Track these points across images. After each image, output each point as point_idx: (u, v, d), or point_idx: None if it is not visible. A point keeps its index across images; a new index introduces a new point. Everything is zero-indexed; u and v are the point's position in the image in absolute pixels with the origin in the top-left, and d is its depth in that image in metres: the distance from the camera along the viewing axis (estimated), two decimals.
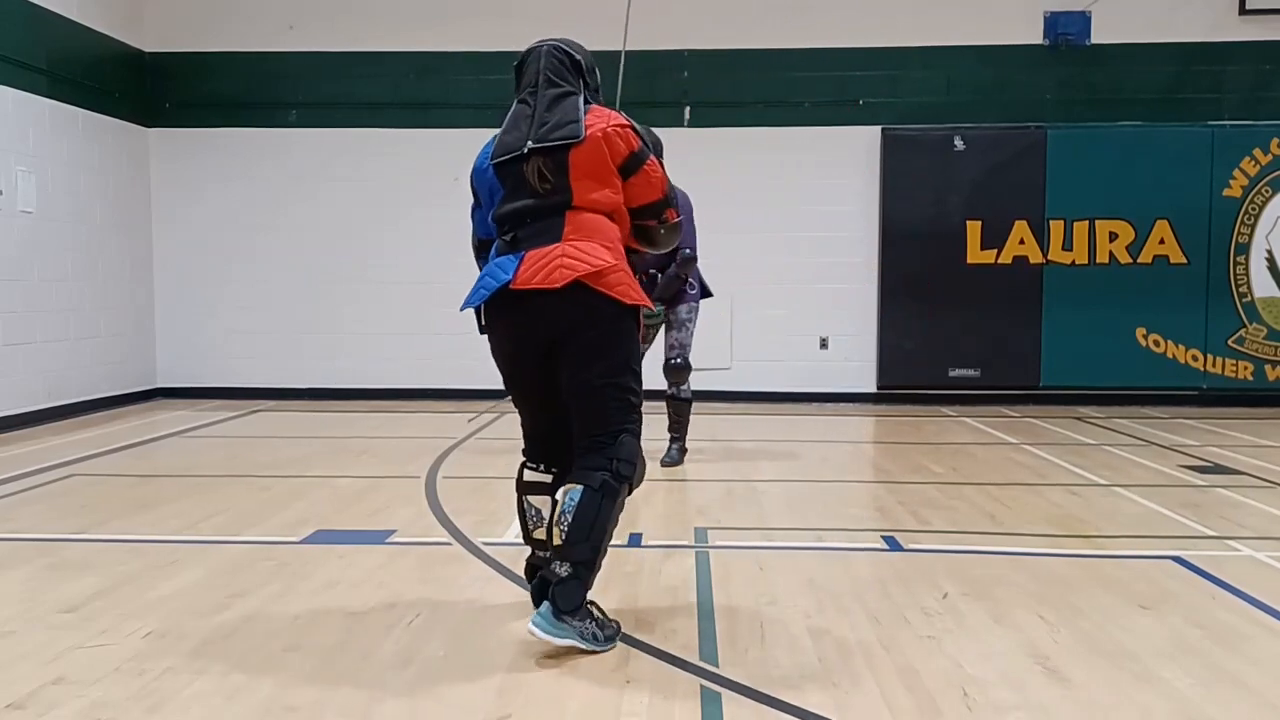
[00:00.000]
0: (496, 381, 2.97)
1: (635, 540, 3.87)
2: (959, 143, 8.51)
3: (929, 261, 8.53)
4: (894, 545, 3.84)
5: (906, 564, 3.58)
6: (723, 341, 8.57)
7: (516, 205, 2.78)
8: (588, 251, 2.70)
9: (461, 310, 2.89)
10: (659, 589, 3.23)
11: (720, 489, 4.94)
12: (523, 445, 3.04)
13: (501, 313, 2.77)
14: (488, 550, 3.72)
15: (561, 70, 2.87)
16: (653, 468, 5.46)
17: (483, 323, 2.86)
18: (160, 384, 8.99)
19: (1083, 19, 8.51)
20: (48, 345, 7.45)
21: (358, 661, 2.60)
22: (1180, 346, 8.51)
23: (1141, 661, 2.62)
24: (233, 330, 8.96)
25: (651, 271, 5.44)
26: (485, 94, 8.79)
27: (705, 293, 5.67)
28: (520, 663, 2.60)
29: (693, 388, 5.62)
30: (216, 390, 8.87)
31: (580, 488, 2.67)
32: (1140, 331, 8.52)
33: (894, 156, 8.59)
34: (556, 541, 2.65)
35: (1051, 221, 8.49)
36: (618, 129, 2.78)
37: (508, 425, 7.16)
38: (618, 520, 2.74)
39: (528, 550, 3.06)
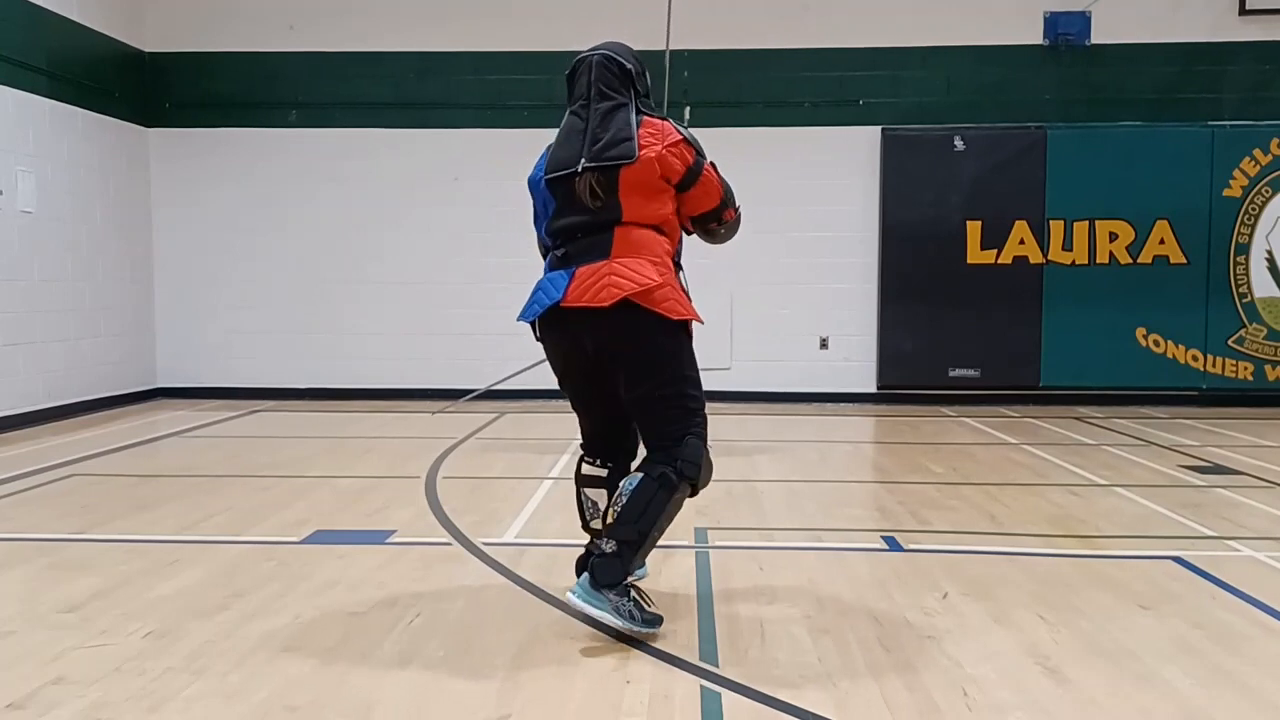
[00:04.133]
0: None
1: None
2: (959, 143, 8.51)
3: (929, 261, 8.53)
4: (894, 545, 3.84)
5: (906, 564, 3.58)
6: (722, 341, 8.57)
7: (568, 221, 2.83)
8: (635, 269, 2.74)
9: (518, 322, 2.99)
10: (659, 589, 3.23)
11: (720, 489, 4.94)
12: (580, 441, 3.14)
13: (553, 328, 2.86)
14: (488, 550, 3.72)
15: (612, 81, 2.88)
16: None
17: (537, 335, 2.94)
18: (160, 384, 8.99)
19: (1083, 19, 8.52)
20: (48, 345, 7.45)
21: (358, 661, 2.60)
22: (1180, 347, 8.51)
23: (1141, 661, 2.62)
24: (233, 330, 8.96)
25: None
26: (485, 94, 8.81)
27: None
28: (520, 663, 2.60)
29: None
30: (216, 390, 8.87)
31: (640, 475, 2.77)
32: (1140, 332, 8.52)
33: (894, 156, 8.59)
34: (608, 521, 2.77)
35: (1051, 221, 8.49)
36: (671, 149, 2.80)
37: (508, 425, 7.17)
38: (672, 517, 2.80)
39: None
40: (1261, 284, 8.47)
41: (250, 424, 7.48)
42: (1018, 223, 8.49)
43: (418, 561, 3.57)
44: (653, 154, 2.78)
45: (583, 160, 2.79)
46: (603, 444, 3.06)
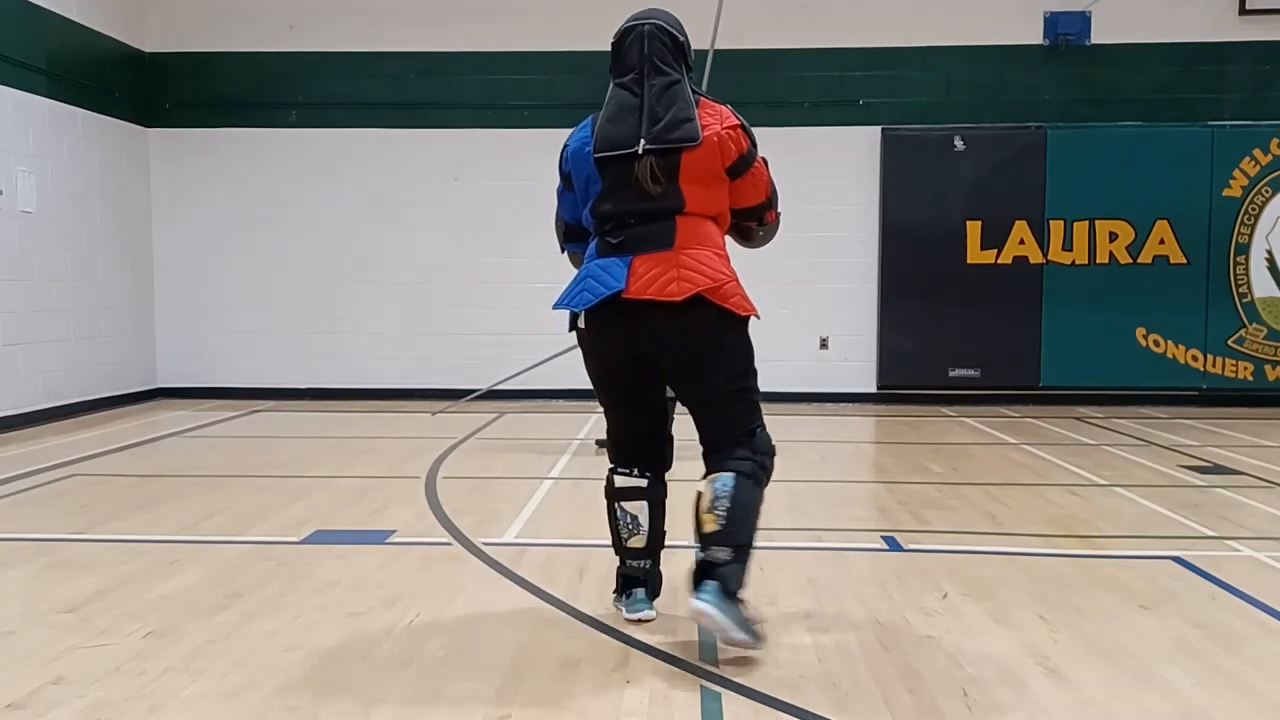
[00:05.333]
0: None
1: None
2: (959, 143, 8.51)
3: (929, 261, 8.53)
4: (894, 545, 3.84)
5: (906, 564, 3.58)
6: None
7: (621, 205, 2.66)
8: (704, 262, 2.62)
9: (557, 308, 2.78)
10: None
11: None
12: (611, 451, 2.94)
13: (606, 319, 2.65)
14: (488, 550, 3.72)
15: (666, 55, 2.71)
16: None
17: (578, 326, 2.73)
18: (160, 384, 8.99)
19: (1083, 19, 8.51)
20: (48, 345, 7.45)
21: (358, 661, 2.60)
22: (1180, 346, 8.51)
23: (1141, 661, 2.61)
24: (233, 330, 8.96)
25: None
26: (485, 94, 8.81)
27: None
28: (520, 663, 2.60)
29: None
30: (216, 390, 8.87)
31: (731, 474, 2.62)
32: (1140, 331, 8.52)
33: (894, 156, 8.59)
34: (712, 527, 2.59)
35: (1051, 221, 8.49)
36: (731, 131, 2.67)
37: (508, 425, 7.17)
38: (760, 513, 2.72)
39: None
40: (1261, 284, 8.47)
41: (250, 424, 7.48)
42: (1018, 223, 8.49)
43: (418, 561, 3.57)
44: (714, 136, 2.63)
45: (642, 141, 2.62)
46: (643, 451, 2.88)
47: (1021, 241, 8.51)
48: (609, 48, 2.81)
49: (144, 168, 8.85)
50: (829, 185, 8.70)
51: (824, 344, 8.74)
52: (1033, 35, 8.61)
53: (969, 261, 8.54)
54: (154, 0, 8.84)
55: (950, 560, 3.60)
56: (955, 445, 6.44)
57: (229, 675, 2.50)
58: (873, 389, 8.76)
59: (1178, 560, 3.59)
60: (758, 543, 2.67)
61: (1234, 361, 8.51)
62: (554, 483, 5.13)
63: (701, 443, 2.77)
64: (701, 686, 2.45)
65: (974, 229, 8.53)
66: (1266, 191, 8.42)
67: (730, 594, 2.55)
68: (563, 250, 3.02)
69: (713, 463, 2.70)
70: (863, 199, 8.69)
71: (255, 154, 8.89)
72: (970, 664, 2.59)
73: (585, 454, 5.97)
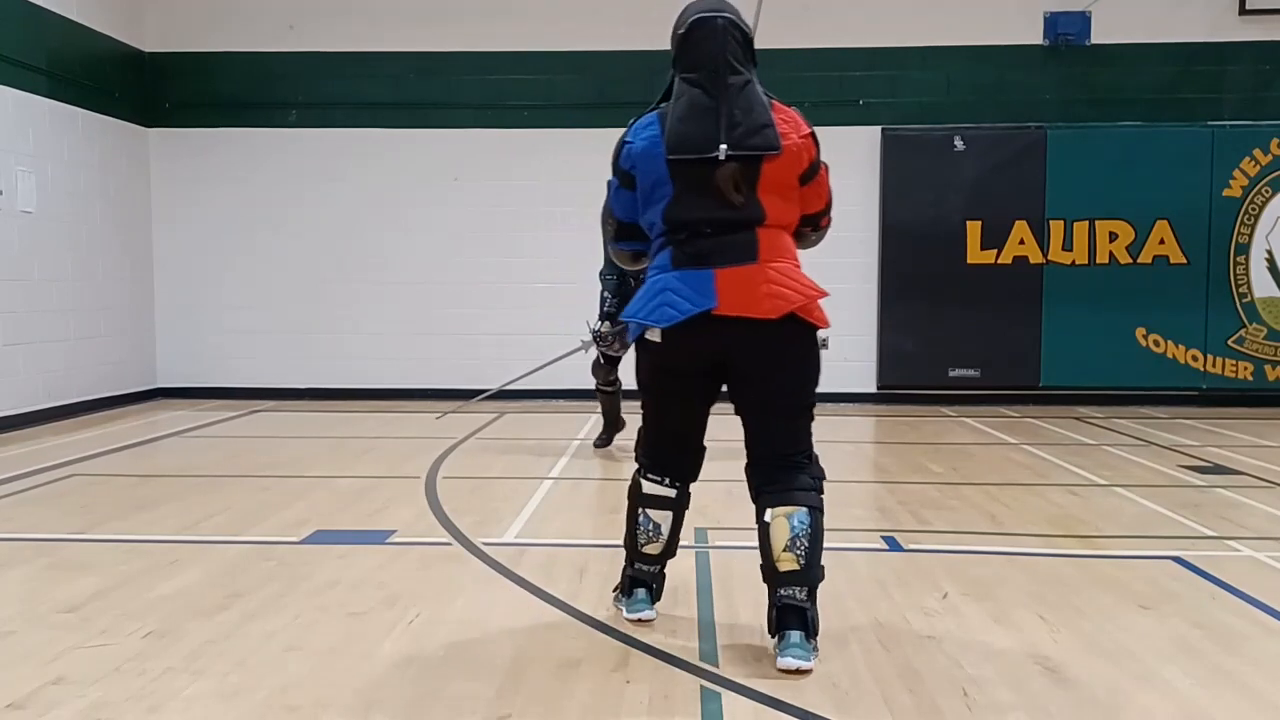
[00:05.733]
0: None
1: None
2: (959, 143, 8.51)
3: (929, 261, 8.52)
4: (894, 545, 3.84)
5: (906, 564, 3.58)
6: None
7: (699, 213, 2.55)
8: (792, 276, 2.55)
9: (631, 319, 2.65)
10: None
11: (720, 489, 4.92)
12: (643, 456, 2.88)
13: (690, 335, 2.54)
14: (488, 550, 3.71)
15: (739, 52, 2.59)
16: None
17: (655, 339, 2.60)
18: (160, 384, 8.99)
19: (1083, 19, 8.51)
20: (48, 345, 7.45)
21: (358, 661, 2.60)
22: (1180, 346, 8.51)
23: (1141, 661, 2.61)
24: (233, 330, 8.96)
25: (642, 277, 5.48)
26: (485, 94, 8.81)
27: None
28: (520, 663, 2.60)
29: None
30: (216, 390, 8.87)
31: (805, 510, 2.57)
32: (1140, 331, 8.52)
33: (894, 156, 8.59)
34: (792, 567, 2.53)
35: (1051, 221, 8.49)
36: (805, 140, 2.59)
37: (508, 425, 7.17)
38: None
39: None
40: (1261, 284, 8.47)
41: (250, 424, 7.48)
42: (1018, 223, 8.49)
43: (418, 561, 3.57)
44: (793, 145, 2.54)
45: (724, 147, 2.50)
46: (678, 460, 2.84)
47: (1021, 241, 8.51)
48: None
49: (144, 168, 8.85)
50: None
51: (824, 344, 8.71)
52: (1033, 35, 8.61)
53: (969, 261, 8.54)
54: (154, 0, 8.84)
55: (950, 560, 3.60)
56: (955, 445, 6.44)
57: (229, 675, 2.50)
58: (873, 389, 8.76)
59: (1178, 560, 3.59)
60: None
61: (1234, 361, 8.51)
62: (554, 483, 5.13)
63: (755, 457, 2.70)
64: (701, 686, 2.45)
65: (974, 229, 8.53)
66: (1266, 191, 8.42)
67: (814, 636, 2.55)
68: (610, 246, 2.94)
69: (775, 489, 2.62)
70: (863, 199, 8.69)
71: (255, 154, 8.89)
72: (970, 664, 2.59)
73: (585, 454, 5.97)
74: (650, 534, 2.85)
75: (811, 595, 2.57)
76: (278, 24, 8.80)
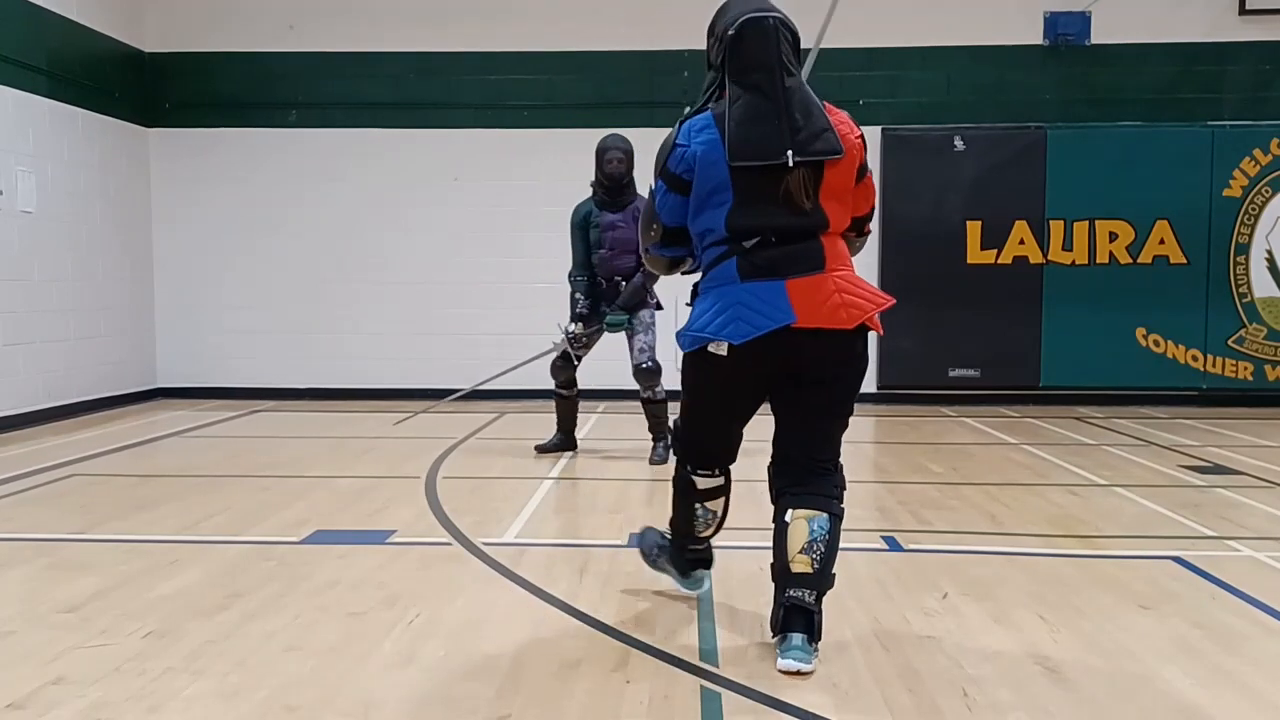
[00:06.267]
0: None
1: (635, 540, 3.86)
2: (959, 143, 8.51)
3: (929, 261, 8.52)
4: (894, 545, 3.84)
5: (906, 564, 3.58)
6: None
7: (764, 220, 2.49)
8: (859, 285, 2.54)
9: (703, 336, 2.55)
10: (659, 589, 3.23)
11: None
12: (690, 455, 2.87)
13: (762, 347, 2.49)
14: (488, 550, 3.71)
15: (790, 54, 2.57)
16: (638, 466, 5.47)
17: (720, 353, 2.54)
18: (160, 384, 8.99)
19: (1083, 19, 8.51)
20: (48, 345, 7.45)
21: (358, 661, 2.60)
22: (1180, 346, 8.51)
23: (1141, 661, 2.61)
24: (233, 330, 8.96)
25: (616, 279, 5.57)
26: (485, 94, 8.81)
27: (658, 305, 5.75)
28: (520, 663, 2.60)
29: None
30: (216, 390, 8.87)
31: (826, 515, 2.58)
32: (1140, 331, 8.52)
33: (894, 156, 8.59)
34: (805, 569, 2.53)
35: (1051, 221, 8.49)
36: (859, 142, 2.57)
37: (508, 425, 7.17)
38: None
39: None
40: (1261, 284, 8.47)
41: (250, 424, 7.48)
42: (1018, 223, 8.49)
43: (418, 561, 3.57)
44: (852, 146, 2.52)
45: (791, 152, 2.45)
46: (727, 456, 2.87)
47: (1021, 241, 8.51)
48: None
49: (144, 168, 8.85)
50: None
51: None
52: (1033, 35, 8.61)
53: (969, 261, 8.54)
54: (154, 0, 8.84)
55: (950, 560, 3.60)
56: (955, 445, 6.44)
57: (229, 675, 2.50)
58: (873, 389, 8.74)
59: (1178, 560, 3.59)
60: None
61: (1234, 361, 8.51)
62: (554, 483, 5.13)
63: (786, 456, 2.68)
64: (701, 686, 2.45)
65: (974, 229, 8.53)
66: (1266, 191, 8.42)
67: (816, 640, 2.55)
68: (645, 252, 2.84)
69: (801, 492, 2.62)
70: None
71: (255, 154, 8.89)
72: (970, 664, 2.59)
73: (585, 454, 5.97)
74: (708, 520, 2.93)
75: (819, 600, 2.57)
76: (278, 24, 8.81)
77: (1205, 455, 5.96)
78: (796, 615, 2.53)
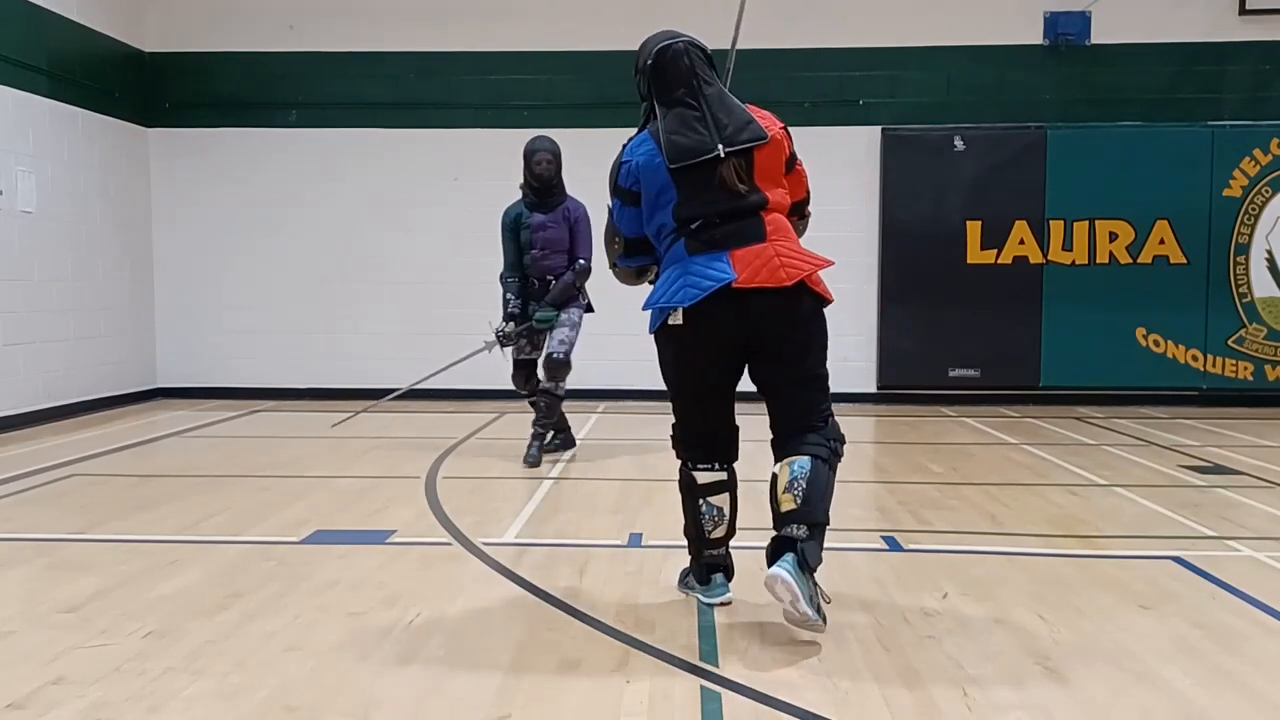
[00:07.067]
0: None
1: (635, 540, 3.87)
2: (959, 143, 8.51)
3: (929, 261, 8.52)
4: (894, 545, 3.84)
5: (906, 564, 3.58)
6: None
7: (708, 207, 2.79)
8: (800, 250, 2.80)
9: (654, 308, 2.84)
10: (659, 589, 3.23)
11: None
12: (685, 450, 3.02)
13: (711, 311, 2.75)
14: (488, 550, 3.72)
15: (705, 67, 2.94)
16: (638, 466, 5.47)
17: (677, 323, 2.80)
18: (160, 384, 8.99)
19: (1083, 19, 8.51)
20: (48, 345, 7.45)
21: (358, 661, 2.60)
22: (1180, 346, 8.51)
23: (1141, 661, 2.61)
24: (233, 330, 8.96)
25: (548, 278, 5.65)
26: (485, 94, 8.81)
27: (589, 307, 5.79)
28: (520, 662, 2.60)
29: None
30: (216, 390, 8.87)
31: (807, 458, 2.76)
32: (1140, 331, 8.52)
33: (894, 156, 8.59)
34: (790, 506, 2.71)
35: (1051, 221, 8.49)
36: (782, 131, 2.91)
37: (508, 425, 7.16)
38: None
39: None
40: (1261, 284, 8.47)
41: (250, 424, 7.48)
42: (1018, 223, 8.49)
43: (418, 561, 3.57)
44: (776, 134, 2.86)
45: (720, 146, 2.79)
46: (721, 444, 2.99)
47: (1021, 241, 8.51)
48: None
49: (144, 168, 8.85)
50: (828, 185, 8.59)
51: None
52: (1033, 35, 8.61)
53: (969, 261, 8.54)
54: (154, 0, 8.84)
55: (950, 560, 3.60)
56: (955, 445, 6.44)
57: (229, 675, 2.50)
58: (873, 389, 8.75)
59: (1178, 560, 3.59)
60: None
61: (1234, 361, 8.51)
62: (554, 483, 5.13)
63: (775, 428, 2.89)
64: (701, 686, 2.45)
65: (974, 229, 8.53)
66: (1266, 191, 8.42)
67: (807, 568, 2.65)
68: (613, 266, 3.12)
69: (787, 448, 2.82)
70: (862, 199, 8.69)
71: (255, 154, 8.89)
72: (970, 664, 2.59)
73: (585, 454, 5.97)
74: (715, 519, 3.00)
75: (814, 534, 2.69)
76: (278, 24, 8.81)
77: (1205, 455, 5.96)
78: (785, 545, 2.70)
